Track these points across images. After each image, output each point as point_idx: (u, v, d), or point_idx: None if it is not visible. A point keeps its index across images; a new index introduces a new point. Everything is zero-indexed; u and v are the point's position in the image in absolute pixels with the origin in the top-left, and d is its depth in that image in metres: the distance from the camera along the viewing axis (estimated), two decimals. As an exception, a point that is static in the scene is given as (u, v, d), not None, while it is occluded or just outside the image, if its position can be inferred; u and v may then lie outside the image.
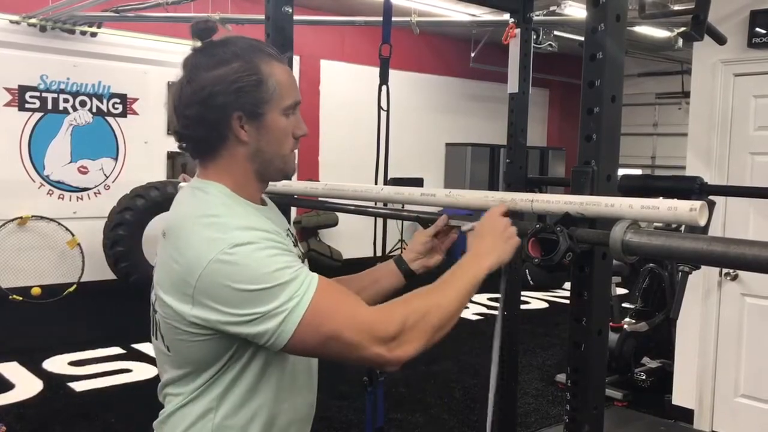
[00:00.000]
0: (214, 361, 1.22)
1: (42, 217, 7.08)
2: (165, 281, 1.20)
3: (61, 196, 7.33)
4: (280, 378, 1.27)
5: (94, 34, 7.31)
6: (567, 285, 1.44)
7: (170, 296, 1.18)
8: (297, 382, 1.32)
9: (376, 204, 1.90)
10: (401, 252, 1.61)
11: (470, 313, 6.83)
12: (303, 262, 1.38)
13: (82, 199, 7.46)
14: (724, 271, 3.78)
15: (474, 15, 7.32)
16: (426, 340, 1.18)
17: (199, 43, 1.26)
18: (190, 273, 1.14)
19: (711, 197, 2.08)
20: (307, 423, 1.39)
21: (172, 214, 1.26)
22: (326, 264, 8.67)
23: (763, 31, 3.59)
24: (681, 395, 4.05)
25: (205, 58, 1.22)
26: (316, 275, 1.18)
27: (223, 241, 1.13)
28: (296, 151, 1.32)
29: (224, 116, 1.21)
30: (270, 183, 1.36)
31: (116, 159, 7.64)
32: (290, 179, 1.37)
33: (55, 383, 4.57)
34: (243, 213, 1.22)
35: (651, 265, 4.99)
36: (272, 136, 1.25)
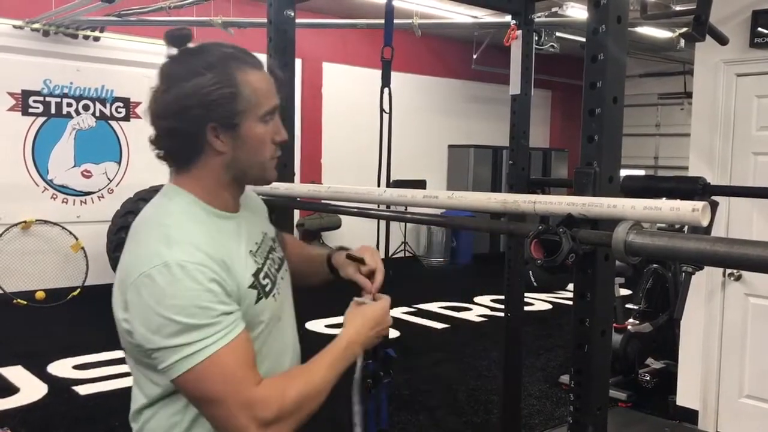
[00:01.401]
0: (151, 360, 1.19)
1: (46, 221, 7.10)
2: (115, 285, 1.21)
3: (65, 200, 7.35)
4: None
5: (96, 39, 7.33)
6: (571, 286, 1.44)
7: (115, 297, 1.20)
8: None
9: (378, 206, 1.90)
10: (335, 255, 1.56)
11: (474, 315, 6.83)
12: (281, 267, 1.39)
13: (85, 203, 7.48)
14: (728, 271, 3.77)
15: (476, 17, 7.33)
16: (296, 427, 1.19)
17: (174, 50, 1.25)
18: (126, 277, 1.16)
19: (714, 198, 2.08)
20: None
21: (139, 215, 1.27)
22: (329, 266, 8.67)
23: (765, 31, 3.59)
24: (685, 396, 4.04)
25: (179, 68, 1.21)
26: (239, 328, 1.16)
27: (160, 257, 1.13)
28: (278, 155, 1.31)
29: (199, 128, 1.20)
30: (272, 185, 1.36)
31: (119, 163, 7.66)
32: (270, 184, 1.35)
33: (59, 387, 4.57)
34: (196, 227, 1.20)
35: (654, 265, 4.98)
36: (249, 144, 1.24)
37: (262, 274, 1.29)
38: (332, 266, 1.54)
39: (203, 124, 1.20)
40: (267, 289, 1.29)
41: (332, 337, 1.33)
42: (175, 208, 1.22)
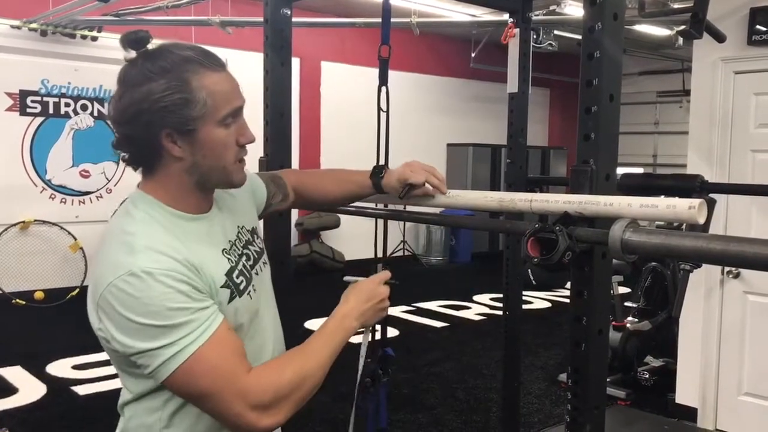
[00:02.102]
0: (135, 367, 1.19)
1: (44, 222, 7.10)
2: (89, 288, 1.21)
3: (63, 200, 7.34)
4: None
5: (94, 38, 7.32)
6: (570, 284, 1.44)
7: (89, 305, 1.20)
8: None
9: (377, 205, 1.90)
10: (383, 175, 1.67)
11: (473, 313, 6.83)
12: (258, 260, 1.38)
13: (84, 203, 7.47)
14: (726, 269, 3.77)
15: (474, 15, 7.33)
16: (294, 410, 1.20)
17: (133, 54, 1.21)
18: (96, 288, 1.16)
19: (712, 195, 2.08)
20: None
21: (108, 225, 1.26)
22: (328, 266, 8.68)
23: (763, 29, 3.59)
24: (684, 394, 4.04)
25: (134, 73, 1.18)
26: (217, 321, 1.16)
27: (124, 266, 1.12)
28: (243, 156, 1.28)
29: (153, 135, 1.18)
30: None
31: (118, 162, 7.65)
32: (238, 188, 1.34)
33: (58, 387, 4.57)
34: (161, 235, 1.19)
35: (653, 263, 4.98)
36: (208, 149, 1.21)
37: (236, 273, 1.28)
38: (382, 189, 1.65)
39: (157, 130, 1.18)
40: (241, 287, 1.28)
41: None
42: (138, 215, 1.21)
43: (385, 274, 1.41)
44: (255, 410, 1.14)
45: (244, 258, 1.33)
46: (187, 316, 1.12)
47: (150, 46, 1.22)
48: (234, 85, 1.25)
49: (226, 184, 1.29)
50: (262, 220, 1.59)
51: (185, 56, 1.19)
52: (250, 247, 1.37)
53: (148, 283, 1.11)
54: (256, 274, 1.36)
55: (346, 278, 1.43)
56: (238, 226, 1.37)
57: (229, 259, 1.28)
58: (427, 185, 1.62)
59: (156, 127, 1.17)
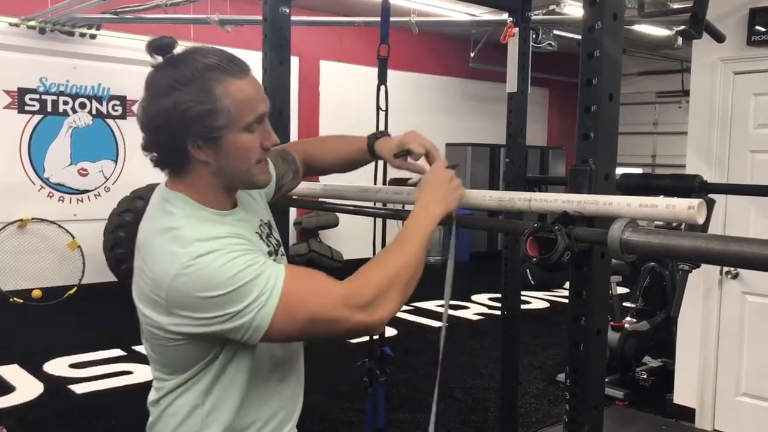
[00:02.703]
0: (194, 363, 1.26)
1: (42, 220, 7.09)
2: (140, 293, 1.25)
3: (62, 199, 7.33)
4: (262, 368, 1.32)
5: (93, 36, 7.32)
6: (568, 284, 1.44)
7: (146, 307, 1.23)
8: (280, 370, 1.37)
9: (375, 204, 1.90)
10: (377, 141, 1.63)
11: (471, 313, 6.83)
12: (277, 252, 1.42)
13: (82, 201, 7.46)
14: (725, 269, 3.77)
15: (473, 15, 7.32)
16: (401, 298, 1.24)
17: (159, 59, 1.24)
18: (158, 287, 1.18)
19: (711, 195, 2.08)
20: (293, 410, 1.43)
21: (142, 226, 1.28)
22: (327, 265, 8.66)
23: (763, 29, 3.59)
24: (682, 394, 4.04)
25: (161, 80, 1.21)
26: (282, 266, 1.21)
27: (184, 255, 1.15)
28: (267, 160, 1.33)
29: (179, 142, 1.22)
30: None
31: (116, 161, 7.65)
32: (263, 188, 1.38)
33: (55, 386, 4.56)
34: (205, 224, 1.23)
35: (652, 263, 4.98)
36: (233, 154, 1.24)
37: (272, 258, 1.34)
38: (376, 154, 1.62)
39: (183, 139, 1.21)
40: None
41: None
42: (178, 212, 1.24)
43: (442, 162, 1.45)
44: (362, 310, 1.19)
45: (271, 247, 1.39)
46: (257, 270, 1.16)
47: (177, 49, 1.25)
48: (258, 91, 1.27)
49: (250, 186, 1.34)
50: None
51: (209, 64, 1.21)
52: (270, 239, 1.41)
53: (213, 258, 1.15)
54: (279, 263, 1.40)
55: (412, 181, 1.51)
56: (260, 220, 1.41)
57: (266, 243, 1.36)
58: (423, 160, 1.57)
59: (182, 136, 1.21)
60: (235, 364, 1.27)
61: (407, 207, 1.85)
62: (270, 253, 1.36)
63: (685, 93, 9.21)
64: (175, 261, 1.15)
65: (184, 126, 1.19)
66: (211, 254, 1.15)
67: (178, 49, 1.25)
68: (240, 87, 1.22)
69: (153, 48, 1.23)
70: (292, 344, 1.40)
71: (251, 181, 1.31)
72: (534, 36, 6.95)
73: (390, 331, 5.57)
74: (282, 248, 1.48)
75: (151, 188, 7.18)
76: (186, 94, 1.18)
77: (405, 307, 6.85)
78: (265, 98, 1.28)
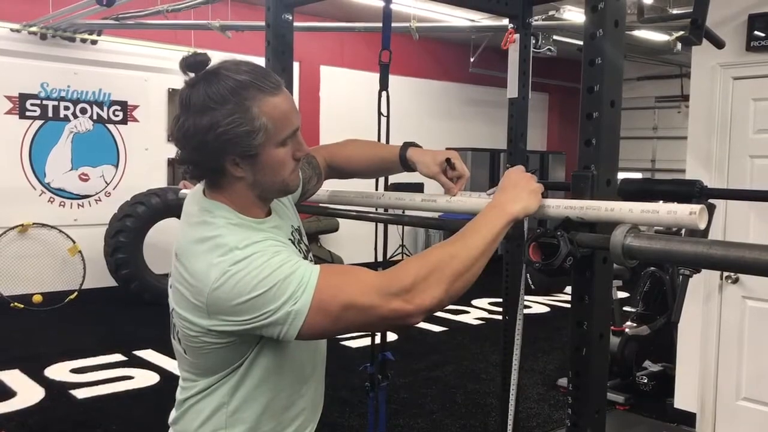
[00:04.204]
0: (226, 366, 1.30)
1: (43, 225, 7.09)
2: (179, 299, 1.28)
3: (62, 204, 7.34)
4: (287, 370, 1.35)
5: (94, 42, 7.33)
6: (568, 289, 1.44)
7: (186, 312, 1.26)
8: (304, 373, 1.40)
9: (377, 209, 1.90)
10: (411, 154, 1.61)
11: (471, 318, 6.83)
12: (307, 257, 1.43)
13: (82, 206, 7.47)
14: (725, 274, 3.77)
15: (473, 20, 7.34)
16: (445, 288, 1.19)
17: (192, 76, 1.25)
18: (200, 294, 1.21)
19: (711, 200, 2.08)
20: (315, 412, 1.48)
21: (182, 234, 1.30)
22: (327, 269, 8.66)
23: (762, 35, 3.60)
24: (683, 399, 4.04)
25: (196, 98, 1.22)
26: (317, 265, 1.23)
27: (225, 262, 1.19)
28: (298, 166, 1.35)
29: (217, 160, 1.24)
30: None
31: (117, 166, 7.66)
32: (293, 193, 1.42)
33: (56, 391, 4.56)
34: (244, 232, 1.26)
35: (652, 268, 4.99)
36: (268, 169, 1.28)
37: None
38: (407, 163, 1.60)
39: (221, 158, 1.24)
40: None
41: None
42: (218, 221, 1.26)
43: (520, 167, 1.40)
44: (397, 297, 1.17)
45: (302, 253, 1.41)
46: (291, 267, 1.19)
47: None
48: (291, 106, 1.29)
49: (283, 194, 1.38)
50: None
51: (243, 82, 1.22)
52: (300, 245, 1.43)
53: (250, 261, 1.18)
54: None
55: (489, 192, 1.47)
56: (291, 226, 1.44)
57: (299, 249, 1.39)
58: (451, 184, 1.54)
59: (220, 155, 1.24)
60: (263, 366, 1.31)
61: (408, 212, 1.86)
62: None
63: (685, 98, 9.23)
64: (216, 268, 1.19)
65: (223, 146, 1.22)
66: (248, 258, 1.18)
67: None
68: (275, 104, 1.25)
69: (187, 65, 1.25)
70: (317, 347, 1.43)
71: (285, 190, 1.35)
72: (534, 41, 6.97)
73: (391, 336, 5.57)
74: (311, 254, 1.50)
75: (151, 194, 7.18)
76: (223, 113, 1.20)
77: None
78: (298, 111, 1.31)
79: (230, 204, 1.29)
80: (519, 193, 1.30)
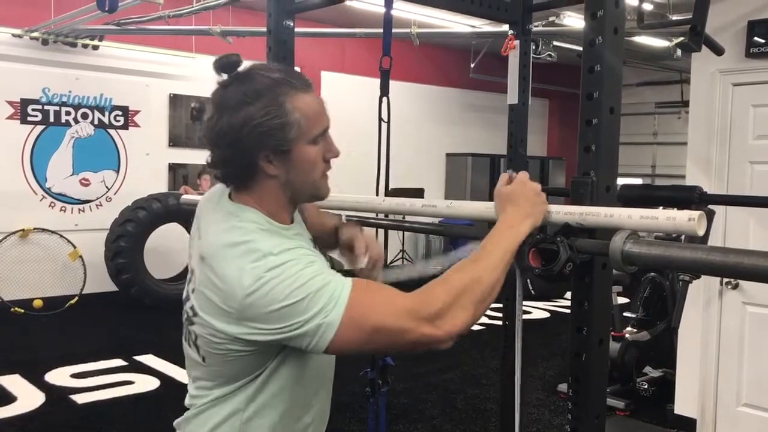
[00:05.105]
0: (247, 374, 1.29)
1: (44, 230, 7.10)
2: (205, 304, 1.25)
3: (63, 209, 7.35)
4: (302, 381, 1.34)
5: (95, 47, 7.35)
6: (568, 294, 1.44)
7: (213, 318, 1.24)
8: (315, 383, 1.40)
9: (377, 215, 1.91)
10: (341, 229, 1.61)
11: (472, 323, 6.82)
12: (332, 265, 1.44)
13: (83, 211, 7.48)
14: (725, 279, 3.78)
15: (473, 26, 7.36)
16: (472, 312, 1.20)
17: (225, 77, 1.28)
18: (231, 299, 1.19)
19: (710, 206, 2.09)
20: (323, 423, 1.49)
21: (209, 238, 1.29)
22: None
23: (761, 41, 3.61)
24: (683, 404, 4.04)
25: (230, 97, 1.24)
26: (349, 279, 1.22)
27: (259, 268, 1.18)
28: (328, 170, 1.35)
29: (251, 156, 1.25)
30: None
31: (118, 171, 7.67)
32: (324, 200, 1.40)
33: (57, 396, 4.56)
34: (274, 238, 1.26)
35: (652, 274, 4.99)
36: (300, 166, 1.28)
37: None
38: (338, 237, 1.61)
39: (255, 153, 1.25)
40: None
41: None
42: (248, 226, 1.26)
43: (524, 174, 1.39)
44: (428, 322, 1.17)
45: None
46: (325, 279, 1.19)
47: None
48: (322, 105, 1.32)
49: (314, 198, 1.37)
50: None
51: (276, 79, 1.26)
52: (324, 255, 1.44)
53: (283, 270, 1.17)
54: None
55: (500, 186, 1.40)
56: (309, 236, 1.44)
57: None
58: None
59: (255, 150, 1.24)
60: (284, 375, 1.30)
61: (408, 218, 1.87)
62: None
63: (685, 103, 9.24)
64: (249, 274, 1.18)
65: (257, 140, 1.23)
66: (283, 265, 1.18)
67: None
68: (307, 101, 1.28)
69: (220, 65, 1.27)
70: (330, 359, 1.43)
71: (316, 193, 1.35)
72: (534, 47, 6.99)
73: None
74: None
75: (152, 199, 7.16)
76: (258, 108, 1.22)
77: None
78: (328, 113, 1.33)
79: (259, 207, 1.29)
80: (529, 208, 1.32)
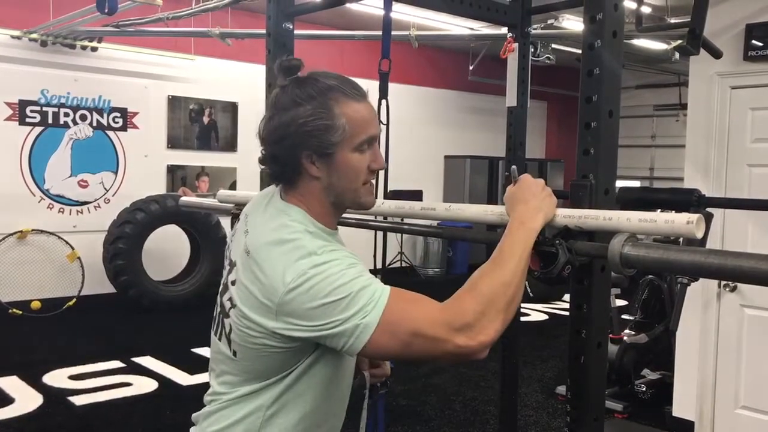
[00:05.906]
0: (278, 372, 1.31)
1: (42, 231, 7.09)
2: (247, 297, 1.28)
3: (61, 210, 7.34)
4: (328, 386, 1.37)
5: (94, 49, 7.35)
6: (567, 296, 1.45)
7: (252, 311, 1.26)
8: (338, 391, 1.42)
9: (376, 217, 1.91)
10: None
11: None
12: None
13: (82, 212, 7.47)
14: (723, 282, 3.78)
15: (472, 29, 7.37)
16: (503, 320, 1.21)
17: (285, 80, 1.33)
18: (273, 293, 1.23)
19: (709, 209, 2.09)
20: (337, 428, 1.50)
21: (257, 233, 1.32)
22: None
23: (759, 44, 3.62)
24: (681, 407, 4.04)
25: (284, 98, 1.30)
26: (388, 285, 1.25)
27: (303, 265, 1.22)
28: (373, 182, 1.39)
29: (295, 155, 1.30)
30: None
31: (116, 172, 7.66)
32: (368, 209, 1.43)
33: (55, 397, 4.55)
34: (320, 241, 1.29)
35: (650, 276, 4.99)
36: (342, 172, 1.31)
37: None
38: None
39: (299, 151, 1.29)
40: None
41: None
42: (296, 226, 1.30)
43: (526, 175, 1.41)
44: (462, 333, 1.18)
45: None
46: (366, 281, 1.22)
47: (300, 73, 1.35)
48: (372, 115, 1.35)
49: (357, 206, 1.40)
50: None
51: (330, 85, 1.31)
52: None
53: (326, 268, 1.21)
54: None
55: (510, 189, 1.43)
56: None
57: None
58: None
59: (298, 148, 1.29)
60: (311, 377, 1.33)
61: (407, 220, 1.87)
62: None
63: (683, 106, 9.26)
64: (293, 269, 1.21)
65: (301, 138, 1.28)
66: (327, 264, 1.21)
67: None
68: (356, 108, 1.31)
69: (282, 68, 1.34)
70: (352, 366, 1.46)
71: (358, 201, 1.37)
72: (532, 49, 7.01)
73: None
74: None
75: (150, 200, 7.17)
76: (307, 109, 1.27)
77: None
78: (378, 124, 1.37)
79: (306, 208, 1.33)
80: (535, 203, 1.33)
